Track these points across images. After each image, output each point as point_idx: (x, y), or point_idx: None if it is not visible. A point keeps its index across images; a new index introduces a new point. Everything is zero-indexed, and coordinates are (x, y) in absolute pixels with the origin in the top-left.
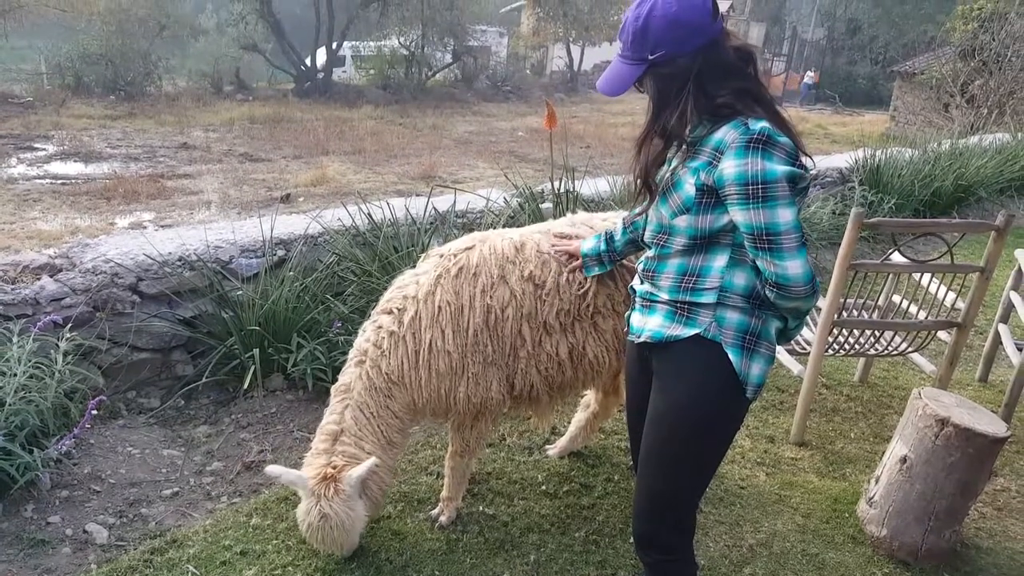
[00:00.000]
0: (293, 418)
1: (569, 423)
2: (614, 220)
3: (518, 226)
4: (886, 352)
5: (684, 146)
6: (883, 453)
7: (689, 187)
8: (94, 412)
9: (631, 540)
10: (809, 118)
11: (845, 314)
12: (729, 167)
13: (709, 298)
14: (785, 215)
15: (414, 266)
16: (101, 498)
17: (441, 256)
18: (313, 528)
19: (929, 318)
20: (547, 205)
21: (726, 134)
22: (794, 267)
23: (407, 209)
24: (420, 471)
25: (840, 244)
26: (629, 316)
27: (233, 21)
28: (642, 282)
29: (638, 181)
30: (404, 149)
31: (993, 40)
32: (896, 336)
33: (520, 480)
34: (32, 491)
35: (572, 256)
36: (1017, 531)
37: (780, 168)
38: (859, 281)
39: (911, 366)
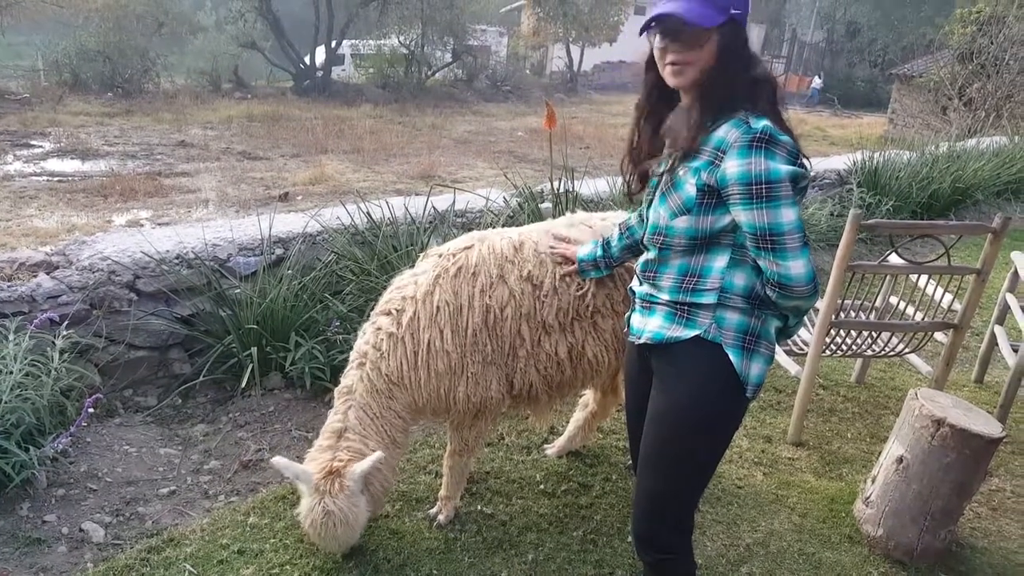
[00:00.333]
0: (291, 417)
1: (567, 423)
2: (613, 220)
3: (517, 226)
4: (883, 353)
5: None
6: (879, 453)
7: (690, 187)
8: (91, 410)
9: (629, 539)
10: (808, 120)
11: (843, 315)
12: (732, 167)
13: (709, 299)
14: (788, 215)
15: (413, 265)
16: (97, 496)
17: (440, 256)
18: (316, 524)
19: (926, 319)
20: (546, 205)
21: (727, 133)
22: (797, 267)
23: (406, 208)
24: (419, 470)
25: (838, 245)
26: (629, 317)
27: (232, 18)
28: (641, 283)
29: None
30: (403, 148)
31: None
32: (893, 337)
33: (518, 479)
34: (28, 489)
35: (568, 260)
36: (1012, 531)
37: (784, 168)
38: (856, 282)
39: (908, 367)
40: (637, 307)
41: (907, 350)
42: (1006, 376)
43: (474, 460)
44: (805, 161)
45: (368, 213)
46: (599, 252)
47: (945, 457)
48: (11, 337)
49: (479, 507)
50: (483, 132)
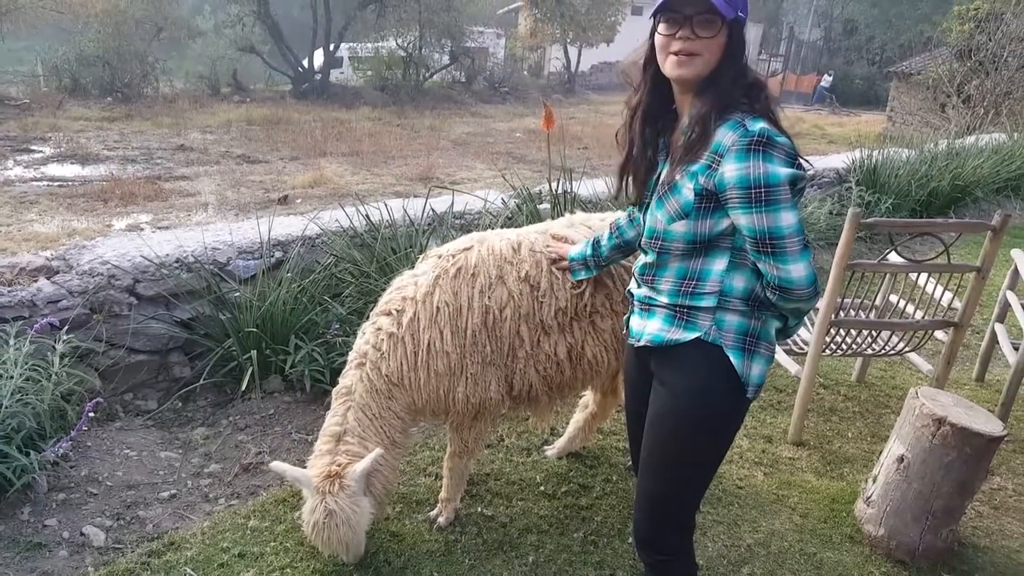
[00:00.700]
0: (291, 420)
1: (567, 424)
2: (612, 221)
3: (516, 227)
4: (883, 352)
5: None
6: (880, 452)
7: (688, 192)
8: (91, 414)
9: (630, 540)
10: (806, 118)
11: (842, 314)
12: (730, 170)
13: (709, 302)
14: (788, 218)
15: (412, 267)
16: (98, 500)
17: (439, 257)
18: (319, 527)
19: (926, 318)
20: (545, 206)
21: (724, 136)
22: (797, 271)
23: (405, 210)
24: (418, 472)
25: (837, 244)
26: (628, 319)
27: (230, 23)
28: (639, 286)
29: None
30: (402, 150)
31: (989, 40)
32: (893, 336)
33: (518, 481)
34: (29, 494)
35: (562, 259)
36: (1013, 530)
37: (783, 171)
38: (856, 281)
39: (908, 366)
40: (636, 309)
41: (907, 349)
42: (1007, 374)
43: (474, 462)
44: (803, 162)
45: (367, 215)
46: (589, 251)
47: (946, 456)
48: (12, 342)
49: (479, 509)
50: (481, 133)
